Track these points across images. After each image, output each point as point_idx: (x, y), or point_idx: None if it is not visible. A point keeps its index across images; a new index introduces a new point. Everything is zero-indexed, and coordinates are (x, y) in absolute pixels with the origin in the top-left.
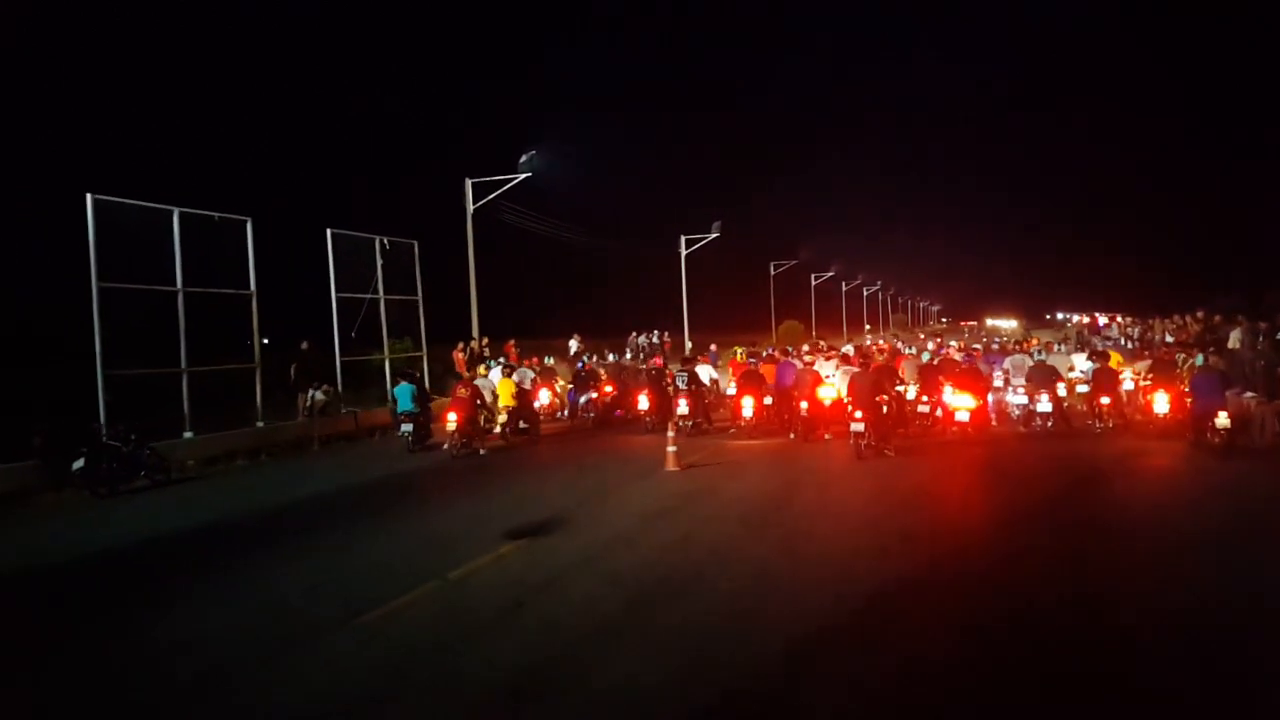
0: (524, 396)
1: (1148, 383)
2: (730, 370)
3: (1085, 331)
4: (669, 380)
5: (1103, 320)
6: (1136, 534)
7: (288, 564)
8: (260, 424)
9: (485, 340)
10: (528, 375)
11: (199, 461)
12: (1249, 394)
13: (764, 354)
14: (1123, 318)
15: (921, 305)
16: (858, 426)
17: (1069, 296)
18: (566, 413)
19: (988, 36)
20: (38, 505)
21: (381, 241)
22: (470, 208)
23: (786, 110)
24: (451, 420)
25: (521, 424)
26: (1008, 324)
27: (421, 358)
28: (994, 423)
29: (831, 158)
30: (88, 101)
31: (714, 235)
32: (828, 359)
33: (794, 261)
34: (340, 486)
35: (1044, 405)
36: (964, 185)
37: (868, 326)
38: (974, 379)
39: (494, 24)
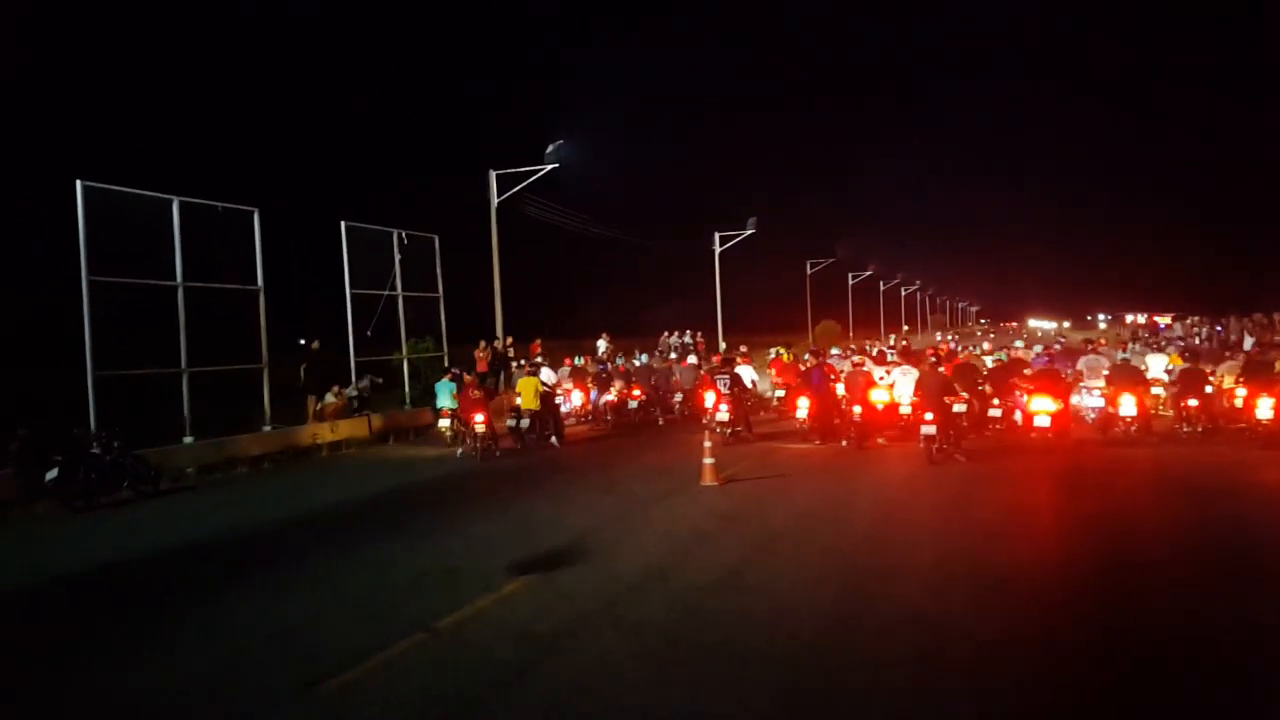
0: (548, 398)
1: (1237, 386)
2: (772, 371)
3: (1141, 332)
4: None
5: (1164, 321)
6: (1252, 558)
7: (256, 602)
8: (267, 428)
9: (510, 340)
10: (552, 375)
11: (198, 469)
12: None
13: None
14: (1192, 318)
15: (960, 306)
16: (928, 429)
17: (1108, 297)
18: (592, 415)
19: (1028, 35)
20: (5, 520)
21: (400, 235)
22: (494, 200)
23: (826, 108)
24: (480, 422)
25: (546, 431)
26: (1048, 324)
27: (443, 357)
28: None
29: (871, 156)
30: (94, 91)
31: (749, 232)
32: (880, 362)
33: (831, 260)
34: (338, 501)
35: (1128, 408)
36: (1002, 184)
37: (905, 327)
38: (1054, 381)
39: (525, 13)
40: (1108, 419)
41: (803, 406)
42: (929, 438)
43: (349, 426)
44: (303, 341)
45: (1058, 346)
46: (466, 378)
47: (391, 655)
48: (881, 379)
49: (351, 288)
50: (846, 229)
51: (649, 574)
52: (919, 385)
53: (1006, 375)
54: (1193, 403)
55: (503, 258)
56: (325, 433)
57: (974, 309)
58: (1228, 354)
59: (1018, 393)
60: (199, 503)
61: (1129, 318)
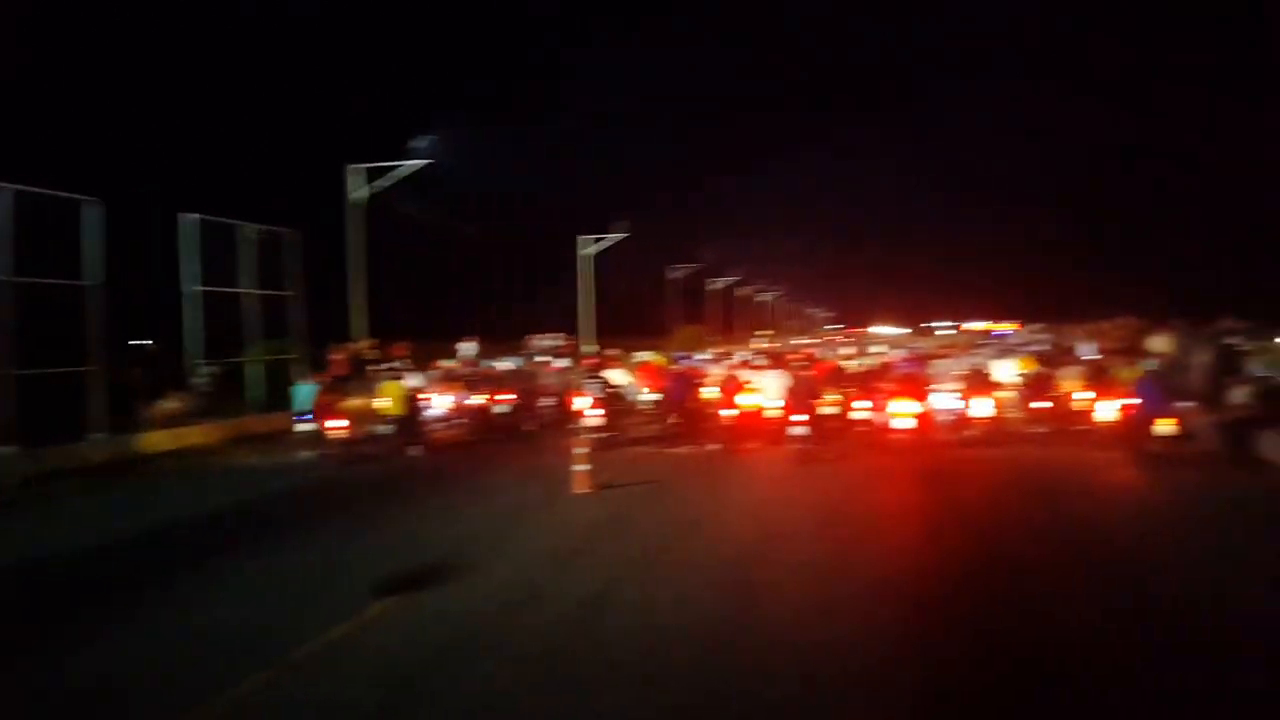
0: (413, 402)
1: (1079, 390)
2: (639, 376)
3: (980, 338)
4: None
5: (1001, 329)
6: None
7: (68, 641)
8: (100, 436)
9: (374, 342)
10: (418, 377)
11: (19, 481)
12: (1182, 402)
13: (684, 357)
14: (1034, 325)
15: (812, 312)
16: (799, 430)
17: (946, 306)
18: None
19: (880, 51)
20: None
21: (252, 230)
22: (350, 195)
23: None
24: (336, 427)
25: (409, 438)
26: (892, 331)
27: (298, 360)
28: None
29: (729, 163)
30: None
31: (618, 236)
32: (747, 366)
33: (694, 266)
34: (176, 517)
35: (979, 410)
36: (849, 194)
37: (770, 332)
38: (916, 384)
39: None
40: (963, 420)
41: (674, 413)
42: (799, 439)
43: (193, 433)
44: (141, 342)
45: (903, 351)
46: (322, 380)
47: (234, 698)
48: (749, 383)
49: (196, 285)
50: (710, 235)
51: (525, 592)
52: (790, 388)
53: (872, 379)
54: (1042, 405)
55: (369, 257)
56: (166, 440)
57: (825, 315)
58: (1066, 359)
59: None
60: (12, 522)
61: (968, 325)
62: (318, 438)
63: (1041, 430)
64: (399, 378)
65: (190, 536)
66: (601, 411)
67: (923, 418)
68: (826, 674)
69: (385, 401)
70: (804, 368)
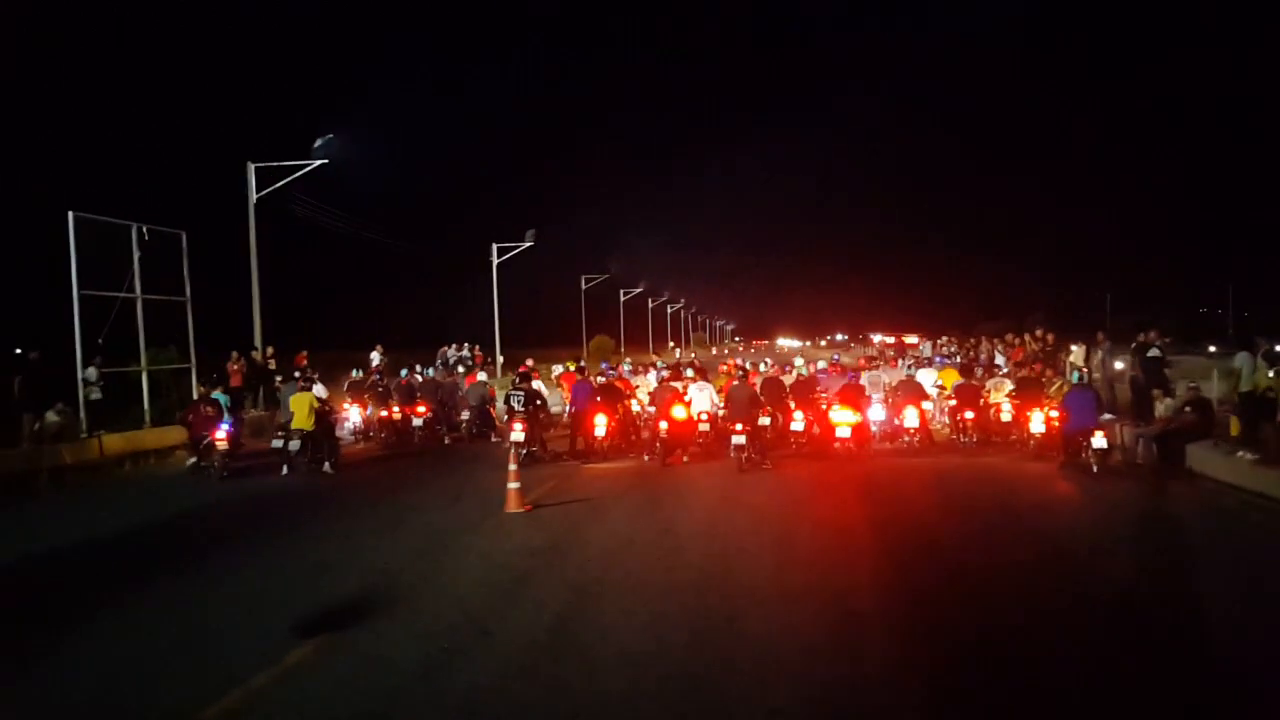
0: (324, 416)
1: (1006, 401)
2: (563, 386)
3: (889, 350)
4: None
5: (911, 341)
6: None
7: None
8: None
9: (270, 351)
10: (324, 390)
11: None
12: (1108, 415)
13: (611, 369)
14: (943, 337)
15: (718, 324)
16: (738, 439)
17: (846, 318)
18: (369, 434)
19: (798, 77)
20: None
21: (140, 230)
22: (253, 196)
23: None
24: (221, 439)
25: (319, 454)
26: (795, 343)
27: (189, 369)
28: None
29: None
30: None
31: (528, 244)
32: (676, 378)
33: (605, 276)
34: (55, 548)
35: (911, 420)
36: (751, 206)
37: (671, 343)
38: (856, 395)
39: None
40: (893, 430)
41: (600, 424)
42: (739, 447)
43: (79, 448)
44: (19, 351)
45: (823, 363)
46: (202, 389)
47: None
48: (683, 395)
49: (80, 289)
50: (621, 246)
51: (468, 628)
52: (728, 398)
53: (807, 390)
54: (969, 415)
55: (266, 262)
56: (48, 455)
57: (730, 327)
58: (996, 370)
59: (824, 405)
60: None
61: (876, 337)
62: (214, 454)
63: (969, 441)
64: (307, 388)
65: (71, 570)
66: (523, 426)
67: (859, 428)
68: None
69: (294, 415)
70: (743, 378)
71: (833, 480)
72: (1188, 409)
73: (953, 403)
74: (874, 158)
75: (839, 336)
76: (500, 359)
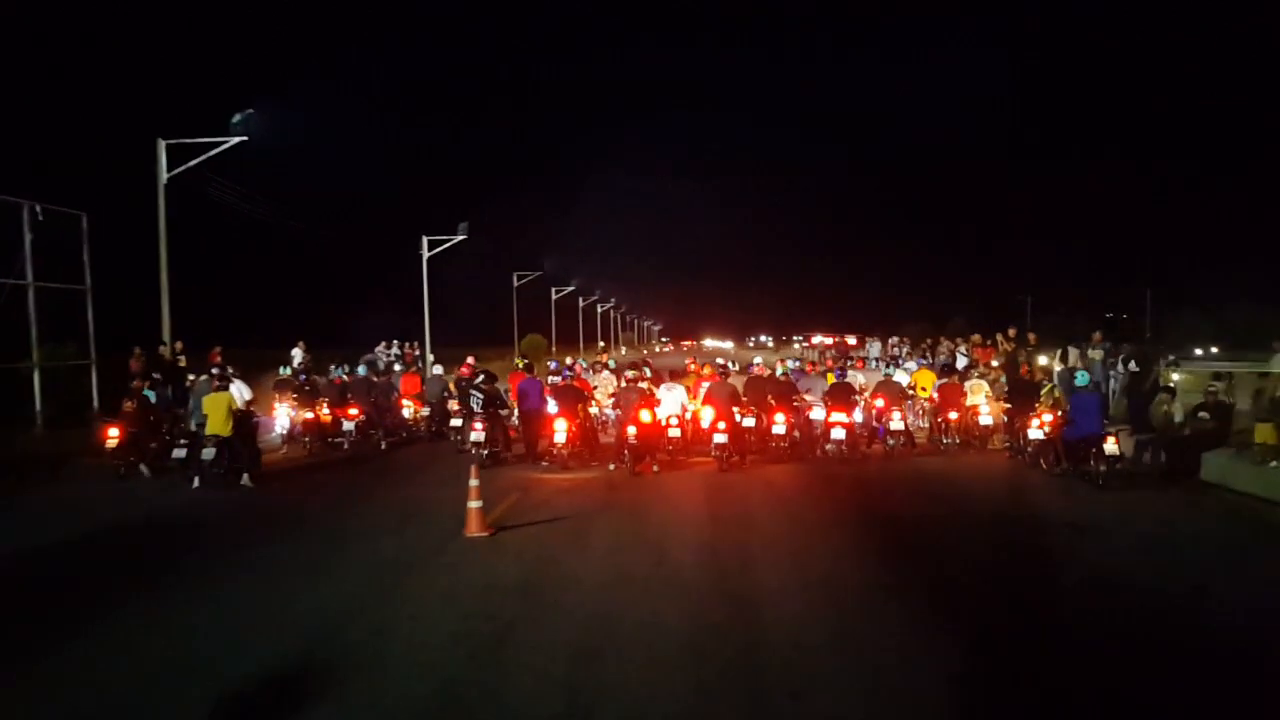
0: (244, 421)
1: (988, 403)
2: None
3: (830, 351)
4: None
5: (857, 343)
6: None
7: None
8: None
9: (180, 346)
10: (246, 390)
11: None
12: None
13: (568, 369)
14: (893, 338)
15: (645, 324)
16: (720, 438)
17: (769, 320)
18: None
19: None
20: None
21: (34, 209)
22: (163, 175)
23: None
24: (113, 437)
25: (237, 464)
26: (724, 344)
27: (90, 367)
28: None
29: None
30: None
31: (460, 238)
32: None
33: (538, 273)
34: None
35: (896, 423)
36: (680, 208)
37: (601, 343)
38: (848, 396)
39: None
40: (872, 433)
41: (561, 429)
42: (721, 446)
43: None
44: None
45: (793, 363)
46: (136, 384)
47: None
48: (651, 396)
49: None
50: (553, 243)
51: (446, 708)
52: (709, 396)
53: (788, 392)
54: (953, 416)
55: (176, 250)
56: None
57: (657, 327)
58: (972, 371)
59: (819, 406)
60: None
61: (816, 338)
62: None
63: (952, 443)
64: (223, 388)
65: None
66: (483, 427)
67: (850, 430)
68: None
69: (209, 419)
70: (725, 376)
71: (829, 488)
72: (1203, 414)
73: (928, 404)
74: (797, 165)
75: (763, 338)
76: (431, 358)
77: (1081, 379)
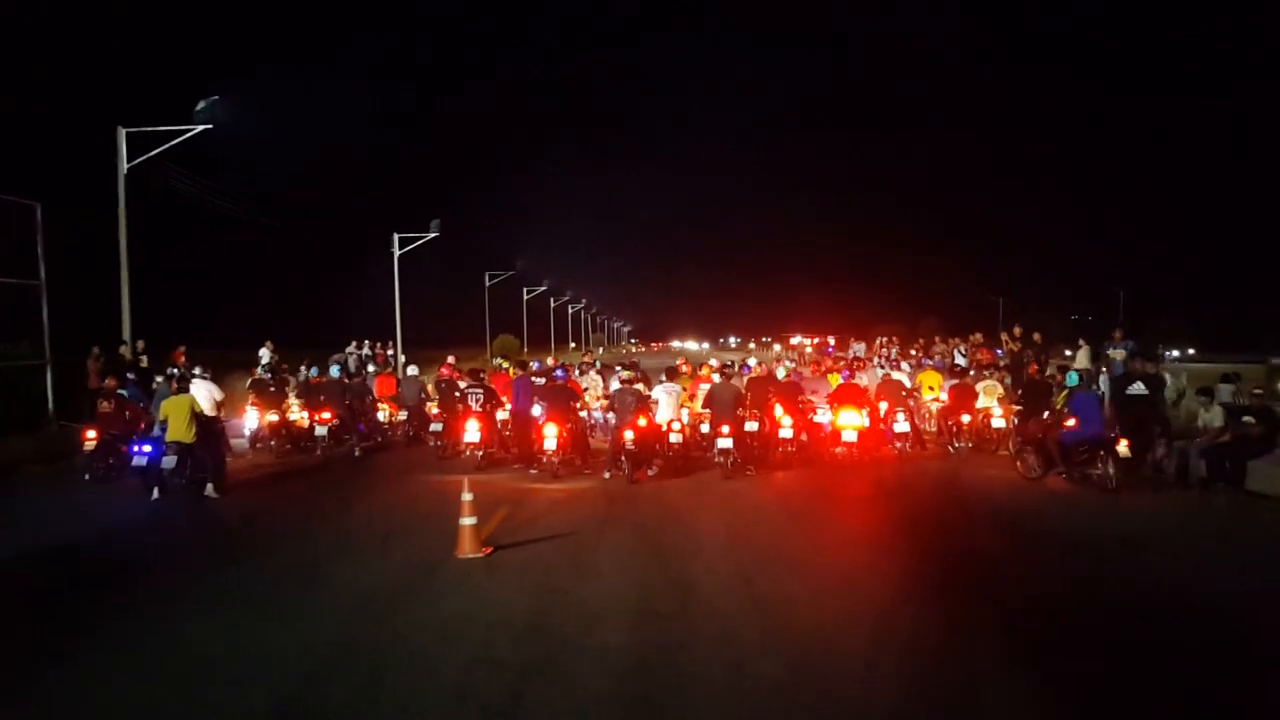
0: (210, 425)
1: (1000, 404)
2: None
3: (811, 353)
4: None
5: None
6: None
7: None
8: None
9: (141, 346)
10: (215, 390)
11: None
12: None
13: (562, 369)
14: (882, 338)
15: (615, 325)
16: (725, 443)
17: (737, 322)
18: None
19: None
20: None
21: None
22: (123, 165)
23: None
24: (90, 440)
25: (200, 474)
26: (692, 345)
27: (45, 367)
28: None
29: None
30: None
31: (433, 235)
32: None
33: (511, 273)
34: None
35: (902, 425)
36: (646, 208)
37: (572, 344)
38: (859, 396)
39: None
40: (893, 436)
41: (551, 435)
42: (725, 452)
43: None
44: None
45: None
46: (110, 382)
47: None
48: (650, 398)
49: None
50: (521, 243)
51: None
52: (709, 398)
53: (794, 393)
54: (965, 419)
55: (138, 245)
56: None
57: (627, 328)
58: (984, 373)
59: (825, 408)
60: None
61: (794, 339)
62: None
63: (964, 447)
64: (184, 390)
65: None
66: (479, 425)
67: (865, 431)
68: None
69: (170, 425)
70: (727, 375)
71: (849, 500)
72: (1248, 418)
73: (936, 406)
74: (768, 165)
75: (732, 340)
76: (403, 358)
77: (1072, 379)
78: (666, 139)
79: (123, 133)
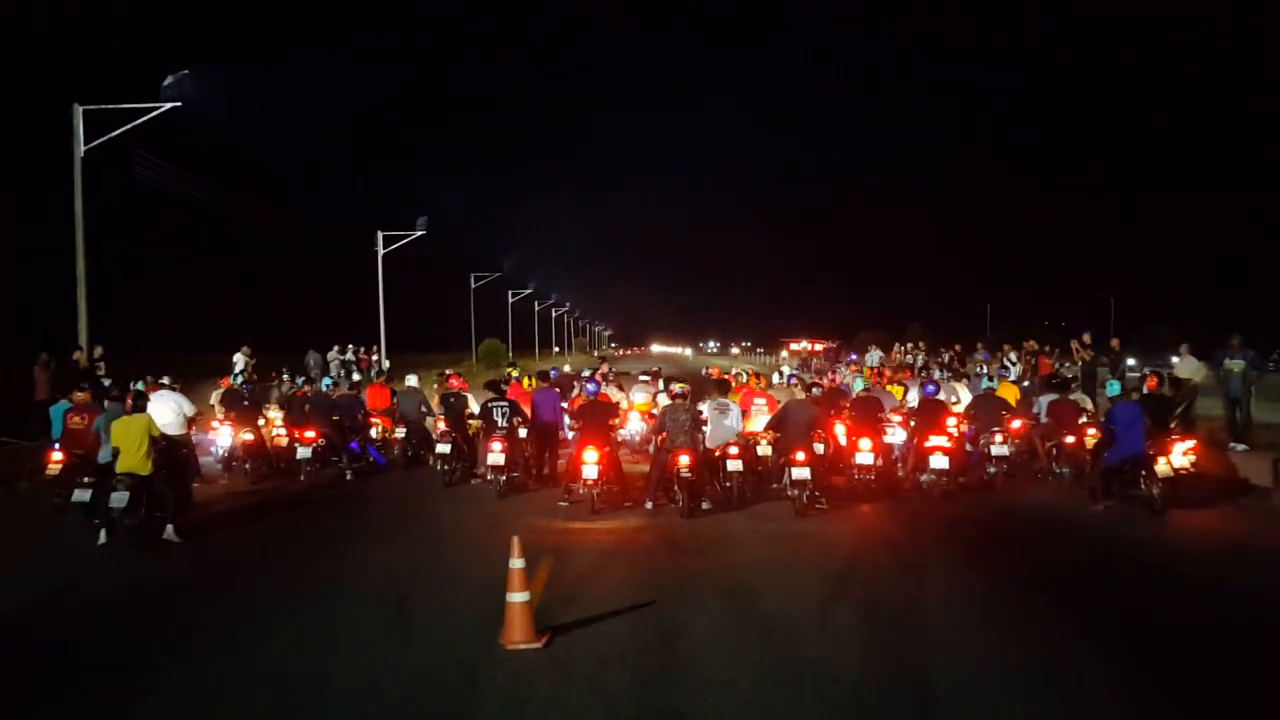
0: (174, 450)
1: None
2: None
3: (815, 360)
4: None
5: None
6: None
7: None
8: None
9: (99, 352)
10: (187, 405)
11: None
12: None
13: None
14: (907, 345)
15: (597, 329)
16: (801, 473)
17: (717, 327)
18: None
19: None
20: None
21: None
22: (80, 147)
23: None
24: (55, 462)
25: (159, 510)
26: (676, 351)
27: None
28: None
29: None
30: None
31: (419, 233)
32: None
33: (498, 274)
34: None
35: (1000, 448)
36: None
37: (556, 348)
38: (946, 412)
39: None
40: (984, 459)
41: (590, 462)
42: (801, 483)
43: None
44: None
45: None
46: (79, 394)
47: None
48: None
49: None
50: (508, 246)
51: None
52: (782, 418)
53: (872, 410)
54: (1069, 440)
55: (98, 237)
56: None
57: (607, 333)
58: (1075, 386)
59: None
60: None
61: (795, 345)
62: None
63: (1067, 473)
64: (140, 408)
65: None
66: (502, 446)
67: (956, 455)
68: None
69: (121, 452)
70: (806, 395)
71: (963, 536)
72: None
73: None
74: (749, 171)
75: (712, 344)
76: (387, 363)
77: (1113, 388)
78: (640, 143)
79: (79, 110)
